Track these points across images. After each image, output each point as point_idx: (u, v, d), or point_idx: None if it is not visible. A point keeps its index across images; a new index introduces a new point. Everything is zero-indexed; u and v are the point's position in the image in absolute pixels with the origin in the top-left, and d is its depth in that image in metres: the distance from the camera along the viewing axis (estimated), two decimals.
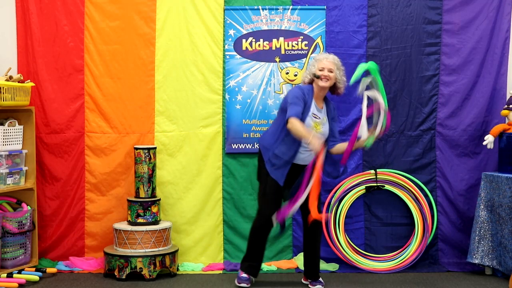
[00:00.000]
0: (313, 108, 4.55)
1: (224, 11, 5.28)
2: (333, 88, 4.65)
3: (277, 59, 5.28)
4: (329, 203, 5.28)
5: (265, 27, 5.29)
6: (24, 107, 5.03)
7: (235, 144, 5.29)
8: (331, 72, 4.55)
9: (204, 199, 5.31)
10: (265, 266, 5.18)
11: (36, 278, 4.76)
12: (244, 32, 5.28)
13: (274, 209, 4.55)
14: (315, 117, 4.54)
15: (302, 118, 4.46)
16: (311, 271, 4.75)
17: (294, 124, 4.37)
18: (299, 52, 5.30)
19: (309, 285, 4.72)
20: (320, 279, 4.74)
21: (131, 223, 4.97)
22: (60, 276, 4.98)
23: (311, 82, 4.63)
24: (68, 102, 5.30)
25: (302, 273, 4.87)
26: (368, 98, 4.41)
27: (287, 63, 5.28)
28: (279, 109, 4.65)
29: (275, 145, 4.54)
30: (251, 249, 4.70)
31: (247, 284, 4.64)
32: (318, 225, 4.67)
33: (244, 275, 4.67)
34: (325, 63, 4.57)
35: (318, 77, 4.54)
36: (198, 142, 5.30)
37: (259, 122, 5.29)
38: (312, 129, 4.49)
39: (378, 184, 5.27)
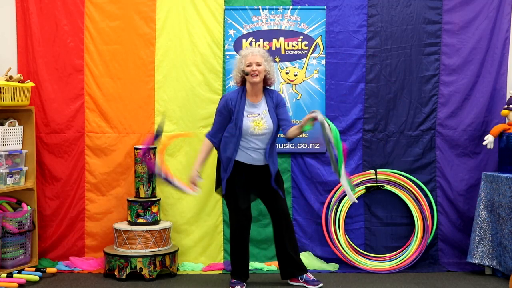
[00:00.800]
0: (246, 109, 4.50)
1: (224, 11, 5.28)
2: (264, 80, 4.54)
3: (277, 59, 5.27)
4: (329, 203, 5.29)
5: (265, 27, 5.29)
6: (24, 107, 5.03)
7: None
8: (259, 65, 4.46)
9: (204, 199, 5.31)
10: (265, 266, 5.18)
11: (36, 278, 4.76)
12: (244, 32, 5.28)
13: (243, 208, 4.54)
14: (252, 116, 4.49)
15: (238, 124, 4.45)
16: (296, 267, 4.67)
17: (201, 146, 4.62)
18: (299, 52, 5.30)
19: (305, 285, 4.66)
20: (309, 275, 4.68)
21: (131, 223, 4.97)
22: (60, 276, 4.98)
23: (243, 80, 4.56)
24: (68, 102, 5.30)
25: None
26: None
27: (287, 63, 5.28)
28: None
29: (221, 147, 4.58)
30: (234, 256, 4.62)
31: (241, 286, 4.60)
32: (285, 217, 4.62)
33: (235, 280, 4.64)
34: (251, 58, 4.47)
35: (247, 74, 4.46)
36: (198, 142, 5.29)
37: None
38: (254, 129, 4.46)
39: (378, 184, 5.27)
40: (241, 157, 4.52)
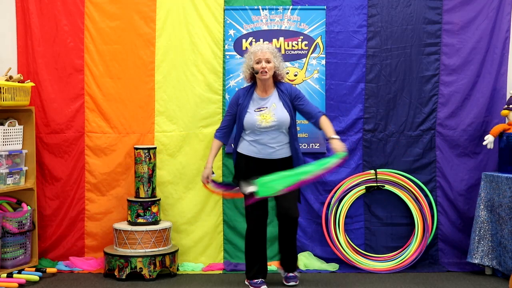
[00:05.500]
0: (253, 104, 4.50)
1: (224, 11, 5.28)
2: (274, 76, 4.53)
3: None
4: (329, 203, 5.29)
5: (265, 27, 5.29)
6: (24, 107, 5.03)
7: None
8: (269, 62, 4.45)
9: (204, 199, 5.31)
10: None
11: (36, 278, 4.76)
12: (244, 32, 5.28)
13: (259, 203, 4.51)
14: (259, 110, 4.47)
15: (241, 118, 4.49)
16: (286, 263, 4.71)
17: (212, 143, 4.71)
18: (299, 52, 5.30)
19: (284, 282, 4.70)
20: (296, 273, 4.70)
21: (131, 223, 4.97)
22: (60, 276, 4.98)
23: (252, 76, 4.56)
24: (68, 102, 5.30)
25: (300, 271, 4.86)
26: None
27: (287, 63, 5.27)
28: None
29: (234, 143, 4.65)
30: (255, 252, 4.67)
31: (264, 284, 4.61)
32: (292, 220, 4.55)
33: (255, 280, 4.61)
34: (260, 54, 4.45)
35: (257, 72, 4.45)
36: (198, 142, 5.30)
37: None
38: (262, 122, 4.43)
39: (378, 184, 5.27)
40: (254, 152, 4.49)
